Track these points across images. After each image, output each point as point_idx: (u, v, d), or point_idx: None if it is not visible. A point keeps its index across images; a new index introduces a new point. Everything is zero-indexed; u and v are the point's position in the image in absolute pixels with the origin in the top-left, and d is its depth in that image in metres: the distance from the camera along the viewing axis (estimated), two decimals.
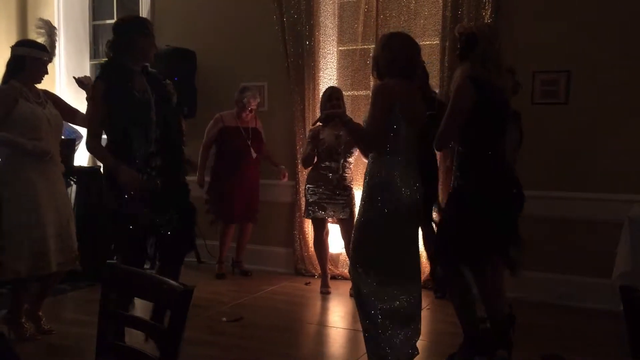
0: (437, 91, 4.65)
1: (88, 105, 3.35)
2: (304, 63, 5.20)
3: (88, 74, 6.63)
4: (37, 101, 3.58)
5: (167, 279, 1.64)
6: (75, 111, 3.87)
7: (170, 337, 1.57)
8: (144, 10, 6.05)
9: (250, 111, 5.09)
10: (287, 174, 5.22)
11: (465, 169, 3.17)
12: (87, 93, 3.72)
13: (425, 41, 4.87)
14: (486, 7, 4.54)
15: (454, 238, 3.17)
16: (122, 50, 3.11)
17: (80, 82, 3.70)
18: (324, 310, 4.53)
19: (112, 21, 6.55)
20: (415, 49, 3.03)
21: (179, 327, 1.56)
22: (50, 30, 3.69)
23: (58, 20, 6.46)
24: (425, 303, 4.49)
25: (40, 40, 3.66)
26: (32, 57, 3.53)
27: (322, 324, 4.23)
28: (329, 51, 5.25)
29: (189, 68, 5.53)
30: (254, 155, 5.10)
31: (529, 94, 4.47)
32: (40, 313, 3.79)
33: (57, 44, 3.74)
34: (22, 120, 3.47)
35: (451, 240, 3.20)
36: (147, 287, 1.71)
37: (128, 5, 6.57)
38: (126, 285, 1.76)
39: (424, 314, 4.27)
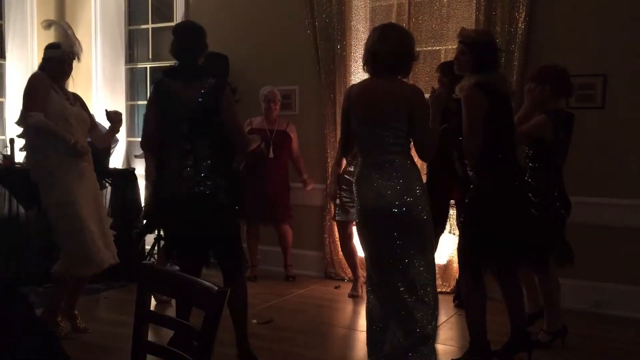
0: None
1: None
2: (335, 67, 5.21)
3: (123, 77, 6.79)
4: (67, 99, 3.67)
5: (201, 280, 1.66)
6: (96, 125, 3.93)
7: (204, 338, 1.59)
8: (178, 16, 6.14)
9: (275, 103, 5.11)
10: (311, 184, 5.23)
11: (482, 172, 3.15)
12: (114, 129, 3.83)
13: None
14: (520, 11, 4.49)
15: (474, 241, 3.16)
16: (186, 53, 3.20)
17: (110, 117, 3.79)
18: (353, 314, 4.52)
19: (147, 26, 6.70)
20: (384, 42, 2.88)
21: (213, 328, 1.58)
22: (58, 26, 3.76)
23: (95, 24, 6.60)
24: (453, 310, 4.47)
25: (61, 38, 3.75)
26: (47, 58, 3.65)
27: (352, 327, 4.23)
28: (360, 55, 5.23)
29: (221, 72, 5.58)
30: (272, 154, 5.09)
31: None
32: (75, 312, 3.88)
33: (69, 32, 3.74)
34: (55, 112, 3.53)
35: (471, 244, 3.18)
36: (182, 287, 1.73)
37: (163, 11, 6.68)
38: (162, 286, 1.79)
39: (452, 320, 4.26)
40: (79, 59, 3.75)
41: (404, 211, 2.87)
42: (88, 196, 3.65)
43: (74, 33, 3.80)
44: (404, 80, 3.05)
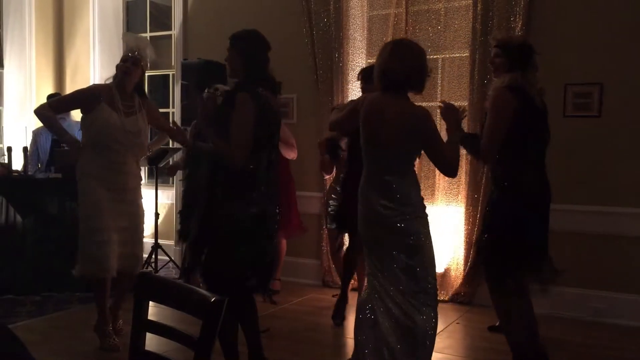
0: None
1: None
2: (332, 76, 5.23)
3: None
4: (126, 110, 3.69)
5: (199, 289, 1.65)
6: (163, 128, 4.02)
7: (202, 347, 1.58)
8: (177, 24, 6.16)
9: None
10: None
11: (512, 180, 3.10)
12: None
13: (455, 53, 4.86)
14: (517, 19, 4.52)
15: (510, 253, 3.08)
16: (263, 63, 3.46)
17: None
18: (350, 322, 4.50)
19: (145, 35, 6.70)
20: (395, 59, 2.81)
21: (210, 337, 1.57)
22: (135, 45, 3.82)
23: (93, 32, 6.63)
24: (454, 316, 4.46)
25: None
26: (117, 65, 3.77)
27: (349, 336, 4.21)
28: (358, 64, 5.26)
29: (219, 80, 5.60)
30: None
31: (561, 106, 4.41)
32: (119, 312, 3.95)
33: (146, 54, 3.83)
34: (94, 124, 3.63)
35: (509, 256, 3.09)
36: (179, 297, 1.72)
37: (161, 20, 6.70)
38: (159, 295, 1.78)
39: (452, 328, 4.25)
40: (145, 63, 3.81)
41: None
42: (114, 203, 3.67)
43: (148, 42, 3.97)
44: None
